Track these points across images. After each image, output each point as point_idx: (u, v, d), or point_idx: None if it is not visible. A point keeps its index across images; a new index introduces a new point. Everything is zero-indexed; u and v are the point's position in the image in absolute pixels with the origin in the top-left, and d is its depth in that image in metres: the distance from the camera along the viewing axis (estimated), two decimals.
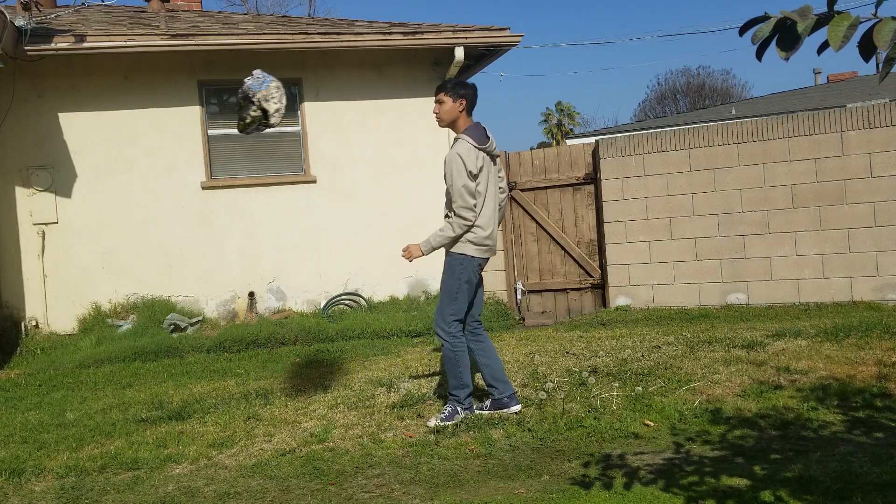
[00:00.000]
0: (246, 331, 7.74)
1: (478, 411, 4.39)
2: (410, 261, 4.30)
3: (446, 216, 4.29)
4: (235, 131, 8.84)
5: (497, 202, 4.41)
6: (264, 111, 4.44)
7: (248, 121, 4.51)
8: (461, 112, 4.32)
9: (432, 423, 4.25)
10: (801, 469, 3.21)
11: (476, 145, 4.23)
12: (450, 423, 4.23)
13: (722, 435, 3.80)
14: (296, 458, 3.89)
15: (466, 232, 4.22)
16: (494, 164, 4.39)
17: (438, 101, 4.32)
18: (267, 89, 4.42)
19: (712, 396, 4.37)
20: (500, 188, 4.47)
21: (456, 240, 4.24)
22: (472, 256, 4.28)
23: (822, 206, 7.75)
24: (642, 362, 5.19)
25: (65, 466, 3.93)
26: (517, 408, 4.33)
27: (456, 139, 4.32)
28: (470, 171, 4.17)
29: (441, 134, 9.35)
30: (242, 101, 4.52)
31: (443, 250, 4.35)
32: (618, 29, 75.44)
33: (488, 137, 4.32)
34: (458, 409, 4.30)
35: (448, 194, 4.26)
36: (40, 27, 7.93)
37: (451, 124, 4.36)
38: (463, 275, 4.27)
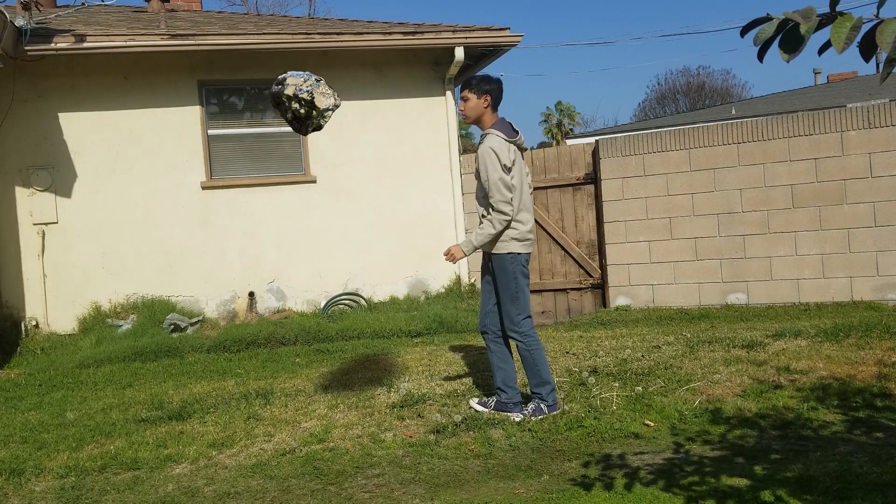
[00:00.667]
0: (246, 331, 7.73)
1: (479, 407, 4.41)
2: (454, 262, 4.30)
3: (482, 216, 4.29)
4: (236, 131, 8.91)
5: (530, 195, 4.45)
6: (313, 106, 4.26)
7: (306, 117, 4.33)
8: (486, 108, 4.32)
9: (518, 417, 4.24)
10: (801, 469, 3.21)
11: (506, 138, 4.25)
12: (534, 418, 4.22)
13: (722, 435, 3.80)
14: (296, 458, 3.89)
15: (507, 228, 4.23)
16: (522, 158, 4.43)
17: (464, 99, 4.33)
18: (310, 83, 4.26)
19: (712, 396, 4.37)
20: (528, 183, 4.50)
21: (497, 237, 4.24)
22: (519, 253, 4.30)
23: (822, 206, 7.75)
24: (642, 362, 5.19)
25: (65, 466, 3.93)
26: (520, 417, 4.31)
27: (485, 134, 4.32)
28: (504, 165, 4.19)
29: (441, 134, 9.36)
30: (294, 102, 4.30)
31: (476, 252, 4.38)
32: (618, 29, 75.44)
33: (516, 131, 4.34)
34: (542, 406, 4.27)
35: (480, 191, 4.28)
36: (40, 27, 7.93)
37: (477, 121, 4.36)
38: (517, 271, 4.30)
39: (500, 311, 4.39)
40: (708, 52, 67.65)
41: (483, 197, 4.29)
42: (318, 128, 4.36)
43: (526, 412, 4.27)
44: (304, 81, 4.21)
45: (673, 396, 4.40)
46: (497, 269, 4.31)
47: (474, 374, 5.19)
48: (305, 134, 4.38)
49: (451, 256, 4.27)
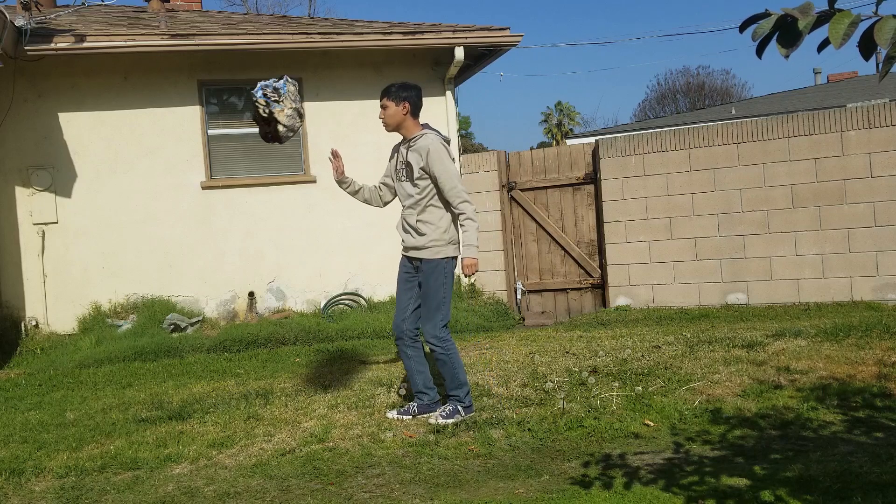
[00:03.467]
0: (246, 331, 7.73)
1: (399, 416, 4.36)
2: (476, 272, 4.33)
3: (418, 211, 4.25)
4: (235, 131, 8.91)
5: None
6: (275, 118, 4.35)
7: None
8: (405, 115, 4.29)
9: (433, 420, 4.25)
10: (801, 469, 3.21)
11: (443, 142, 4.30)
12: (450, 421, 4.23)
13: (722, 435, 3.80)
14: (296, 457, 3.89)
15: (448, 231, 4.29)
16: None
17: (382, 107, 4.31)
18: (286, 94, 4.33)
19: (712, 396, 4.37)
20: None
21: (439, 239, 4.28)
22: (454, 257, 4.31)
23: (822, 206, 7.75)
24: (642, 362, 5.19)
25: (65, 466, 3.93)
26: (439, 418, 4.33)
27: (420, 135, 4.29)
28: (452, 158, 4.27)
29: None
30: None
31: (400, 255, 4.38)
32: (618, 29, 75.48)
33: (448, 140, 4.42)
34: (459, 408, 4.30)
35: (418, 188, 4.23)
36: (40, 27, 7.93)
37: (397, 128, 4.34)
38: (448, 279, 4.29)
39: (420, 314, 4.36)
40: (708, 52, 67.73)
41: (413, 194, 4.25)
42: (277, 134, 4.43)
43: (443, 413, 4.27)
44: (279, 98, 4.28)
45: (673, 396, 4.40)
46: (430, 274, 4.27)
47: (474, 374, 5.19)
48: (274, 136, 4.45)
49: (472, 270, 4.25)
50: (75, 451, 4.21)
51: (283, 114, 4.28)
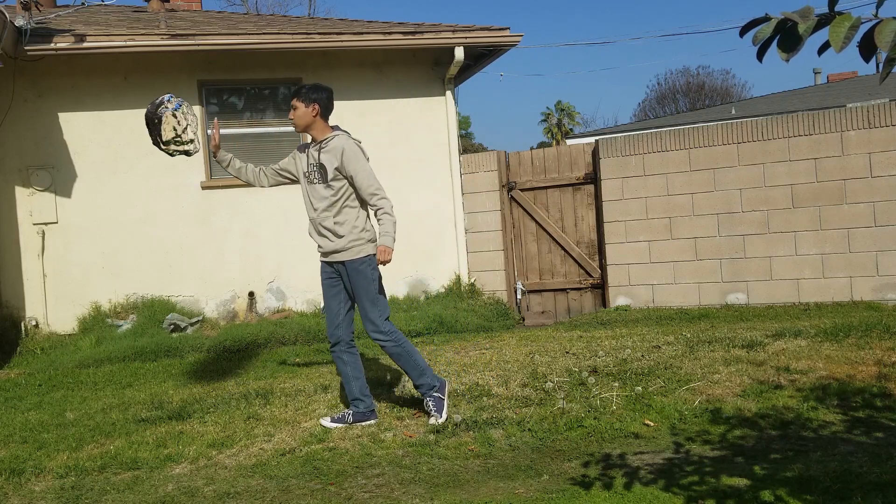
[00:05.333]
0: (246, 331, 7.74)
1: (334, 424, 4.31)
2: (390, 262, 4.19)
3: (334, 213, 4.22)
4: (235, 131, 8.91)
5: None
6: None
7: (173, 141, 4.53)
8: (315, 117, 4.28)
9: (432, 421, 4.25)
10: (801, 469, 3.21)
11: (356, 142, 4.30)
12: (444, 414, 4.24)
13: (722, 435, 3.80)
14: (296, 457, 3.89)
15: (365, 229, 4.28)
16: None
17: (292, 107, 4.29)
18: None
19: (712, 396, 4.37)
20: None
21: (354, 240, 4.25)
22: (373, 254, 4.27)
23: (822, 205, 7.75)
24: (642, 362, 5.19)
25: (65, 466, 3.93)
26: (374, 421, 4.35)
27: (331, 137, 4.26)
28: (366, 157, 4.27)
29: (441, 134, 9.35)
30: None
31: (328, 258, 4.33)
32: (618, 29, 75.46)
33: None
34: (437, 395, 4.29)
35: (338, 189, 4.20)
36: (40, 27, 7.93)
37: (307, 129, 4.31)
38: (375, 274, 4.27)
39: (358, 315, 4.34)
40: (708, 52, 67.71)
41: (329, 196, 4.21)
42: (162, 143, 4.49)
43: (432, 412, 4.25)
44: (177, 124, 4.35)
45: (673, 396, 4.40)
46: (354, 274, 4.24)
47: (474, 374, 5.19)
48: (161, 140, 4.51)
49: (387, 256, 4.13)
50: (75, 451, 4.21)
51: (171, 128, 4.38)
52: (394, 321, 7.85)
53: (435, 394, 4.31)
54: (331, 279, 4.37)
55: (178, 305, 8.49)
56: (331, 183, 4.22)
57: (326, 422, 4.35)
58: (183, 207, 8.61)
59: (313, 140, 4.33)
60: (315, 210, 4.29)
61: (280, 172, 4.54)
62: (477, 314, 8.34)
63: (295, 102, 4.29)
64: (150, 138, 4.50)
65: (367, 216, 4.32)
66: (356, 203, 4.26)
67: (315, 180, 4.27)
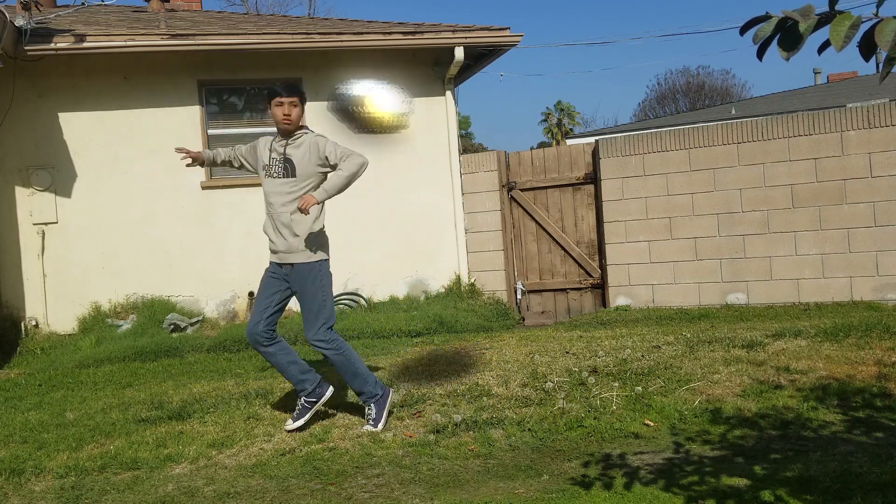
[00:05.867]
0: (246, 331, 7.72)
1: (300, 422, 4.24)
2: (309, 210, 4.02)
3: (293, 210, 4.12)
4: (235, 131, 8.91)
5: None
6: None
7: None
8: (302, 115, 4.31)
9: (369, 428, 4.18)
10: (801, 469, 3.21)
11: None
12: (382, 422, 4.19)
13: (722, 435, 3.80)
14: (296, 457, 3.89)
15: (353, 181, 4.10)
16: None
17: (294, 104, 4.17)
18: None
19: (712, 396, 4.37)
20: None
21: (349, 185, 4.10)
22: (328, 259, 4.24)
23: (822, 205, 7.75)
24: (642, 362, 5.19)
25: (65, 466, 3.93)
26: (331, 389, 4.32)
27: (302, 133, 4.20)
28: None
29: (441, 134, 9.35)
30: None
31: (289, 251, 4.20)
32: (618, 29, 75.46)
33: None
34: (379, 402, 4.26)
35: (304, 185, 4.12)
36: (40, 27, 7.93)
37: (296, 129, 4.22)
38: (326, 280, 4.19)
39: (276, 319, 4.26)
40: (708, 52, 67.75)
41: (293, 192, 4.12)
42: None
43: (372, 422, 4.20)
44: None
45: (673, 396, 4.40)
46: (305, 278, 4.14)
47: (474, 374, 5.19)
48: None
49: (306, 205, 3.98)
50: (75, 451, 4.21)
51: None
52: (394, 321, 7.92)
53: (374, 399, 4.25)
54: (274, 277, 4.23)
55: (178, 305, 8.49)
56: (299, 177, 4.13)
57: (291, 425, 4.23)
58: (183, 207, 8.61)
59: (279, 135, 4.24)
60: (272, 205, 4.18)
61: (240, 158, 4.47)
62: (477, 314, 8.34)
63: (297, 101, 4.20)
64: None
65: (323, 224, 4.26)
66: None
67: (276, 174, 4.17)
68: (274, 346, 4.23)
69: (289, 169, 4.16)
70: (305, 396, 4.29)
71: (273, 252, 4.24)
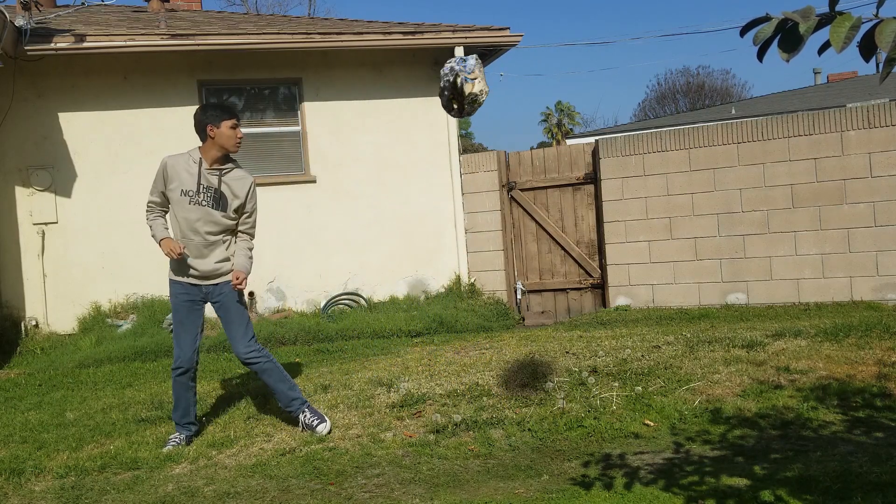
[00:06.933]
0: None
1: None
2: (245, 286, 4.16)
3: (228, 244, 4.22)
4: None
5: None
6: (461, 93, 4.32)
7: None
8: None
9: (323, 430, 4.16)
10: (801, 469, 3.21)
11: None
12: (321, 420, 4.19)
13: (722, 435, 3.80)
14: (295, 457, 3.89)
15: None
16: None
17: (235, 127, 4.18)
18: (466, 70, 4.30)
19: (712, 396, 4.37)
20: None
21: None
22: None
23: (822, 205, 7.75)
24: (642, 362, 5.19)
25: (65, 466, 3.93)
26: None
27: (232, 166, 4.21)
28: None
29: (441, 134, 9.35)
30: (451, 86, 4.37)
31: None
32: (618, 29, 75.47)
33: None
34: (306, 410, 4.27)
35: (223, 220, 4.17)
36: (40, 27, 7.93)
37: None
38: (241, 294, 4.27)
39: (229, 336, 4.29)
40: (708, 52, 67.76)
41: (225, 223, 4.17)
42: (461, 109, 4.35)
43: (319, 423, 4.20)
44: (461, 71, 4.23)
45: (673, 396, 4.40)
46: (232, 294, 4.18)
47: (474, 374, 5.19)
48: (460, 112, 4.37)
49: (242, 282, 4.13)
50: (75, 451, 4.21)
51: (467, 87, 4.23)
52: (394, 321, 7.93)
53: (302, 406, 4.26)
54: (193, 301, 4.20)
55: None
56: (230, 213, 4.15)
57: (169, 447, 4.13)
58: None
59: (211, 160, 4.16)
60: (199, 233, 4.15)
61: (162, 203, 4.38)
62: (477, 314, 8.34)
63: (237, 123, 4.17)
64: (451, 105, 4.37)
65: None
66: None
67: (206, 203, 4.13)
68: (194, 381, 4.28)
69: (220, 203, 4.15)
70: (187, 434, 4.25)
71: (196, 276, 4.19)
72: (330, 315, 8.60)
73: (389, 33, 8.84)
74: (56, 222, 8.28)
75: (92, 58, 8.20)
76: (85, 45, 7.88)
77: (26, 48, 7.63)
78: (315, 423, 4.21)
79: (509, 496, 3.22)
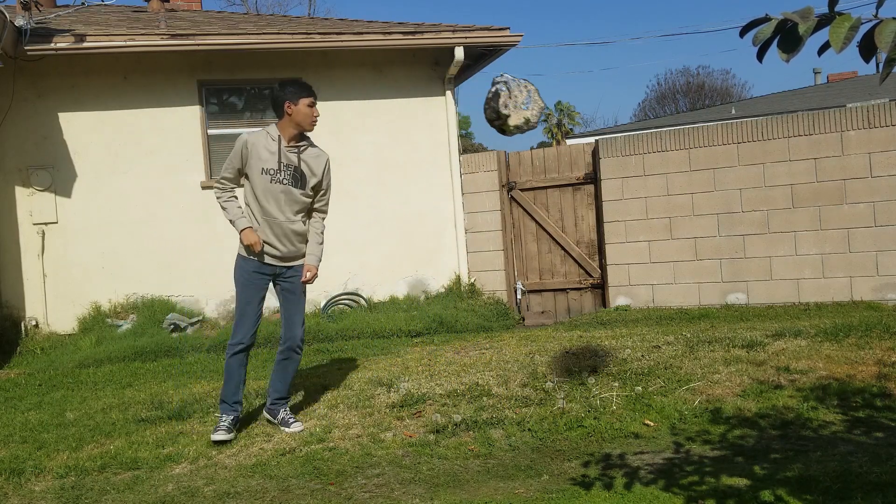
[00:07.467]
0: None
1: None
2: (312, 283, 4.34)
3: (302, 218, 4.26)
4: (235, 131, 8.90)
5: None
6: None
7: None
8: None
9: (295, 427, 4.22)
10: (801, 469, 3.21)
11: None
12: (296, 421, 4.27)
13: (722, 435, 3.81)
14: (296, 457, 3.89)
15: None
16: None
17: (312, 105, 4.26)
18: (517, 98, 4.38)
19: (712, 396, 4.37)
20: None
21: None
22: None
23: (822, 205, 7.75)
24: (642, 362, 5.19)
25: (64, 466, 3.93)
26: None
27: (310, 143, 4.30)
28: None
29: (441, 134, 9.35)
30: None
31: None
32: (618, 29, 75.45)
33: None
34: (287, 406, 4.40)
35: (300, 200, 4.21)
36: (40, 27, 7.93)
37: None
38: None
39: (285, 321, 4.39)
40: (708, 52, 67.75)
41: (304, 201, 4.23)
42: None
43: (293, 420, 4.30)
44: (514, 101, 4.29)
45: (673, 396, 4.40)
46: (298, 278, 4.32)
47: (474, 374, 5.19)
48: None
49: (312, 280, 4.30)
50: (75, 451, 4.21)
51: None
52: (394, 321, 7.93)
53: (287, 405, 4.38)
54: (264, 279, 4.25)
55: (178, 305, 8.49)
56: (310, 189, 4.21)
57: (221, 436, 4.10)
58: (183, 207, 8.61)
59: (291, 138, 4.19)
60: (283, 212, 4.18)
61: (235, 179, 4.30)
62: (477, 314, 8.34)
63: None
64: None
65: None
66: None
67: (287, 181, 4.15)
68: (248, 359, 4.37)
69: (298, 180, 4.17)
70: (234, 416, 4.29)
71: (276, 257, 4.25)
72: (330, 315, 8.60)
73: (389, 33, 8.84)
74: (56, 222, 8.28)
75: (92, 58, 8.21)
76: (85, 45, 7.88)
77: (26, 48, 7.64)
78: (291, 421, 4.27)
79: (509, 496, 3.22)
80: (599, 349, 5.10)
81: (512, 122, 4.46)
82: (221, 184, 4.31)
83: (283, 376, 4.36)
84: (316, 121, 4.26)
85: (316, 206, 4.33)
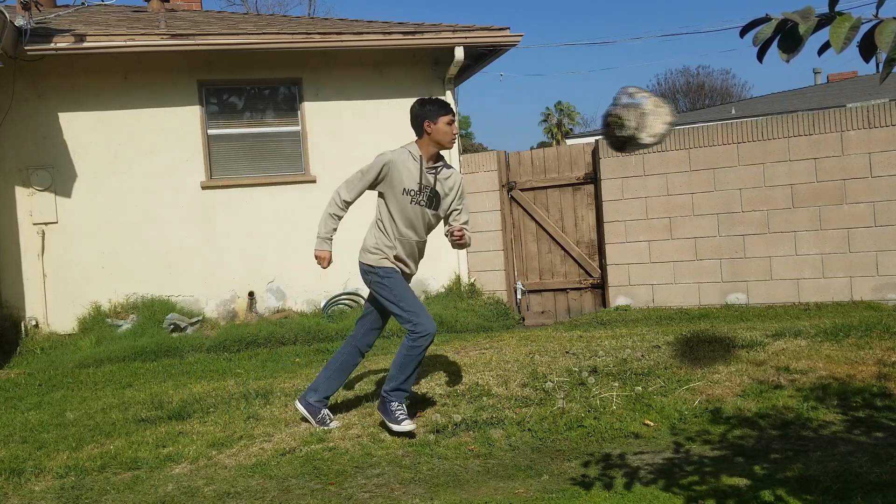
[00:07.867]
0: (246, 331, 7.73)
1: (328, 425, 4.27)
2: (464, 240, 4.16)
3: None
4: (235, 131, 8.92)
5: None
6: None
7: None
8: None
9: (392, 427, 4.10)
10: (801, 469, 3.22)
11: None
12: (408, 420, 4.13)
13: (722, 435, 3.81)
14: (295, 457, 3.89)
15: None
16: None
17: (451, 123, 4.15)
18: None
19: (712, 396, 4.37)
20: None
21: None
22: None
23: (822, 205, 7.75)
24: (642, 362, 5.19)
25: (64, 466, 3.93)
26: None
27: (445, 165, 4.23)
28: None
29: None
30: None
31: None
32: (618, 29, 75.45)
33: None
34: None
35: (438, 215, 4.22)
36: (40, 27, 7.93)
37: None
38: None
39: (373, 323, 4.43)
40: (708, 52, 67.79)
41: (435, 223, 4.24)
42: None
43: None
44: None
45: (673, 396, 4.40)
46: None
47: (474, 374, 5.19)
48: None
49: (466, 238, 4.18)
50: (75, 451, 4.21)
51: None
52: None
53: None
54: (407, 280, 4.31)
55: (178, 305, 8.49)
56: (440, 212, 4.17)
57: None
58: (183, 207, 8.61)
59: (430, 159, 4.11)
60: (417, 232, 4.17)
61: (361, 193, 4.25)
62: (477, 314, 8.34)
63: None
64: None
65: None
66: None
67: (423, 203, 4.10)
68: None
69: (434, 202, 4.13)
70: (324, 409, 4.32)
71: (406, 275, 4.24)
72: (330, 315, 8.60)
73: (389, 33, 8.84)
74: (56, 222, 8.28)
75: (92, 58, 8.20)
76: (85, 45, 7.88)
77: (26, 48, 7.63)
78: (400, 417, 4.03)
79: (509, 496, 3.22)
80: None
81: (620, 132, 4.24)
82: (342, 204, 4.28)
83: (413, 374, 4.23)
84: (455, 138, 4.18)
85: (460, 223, 4.20)
